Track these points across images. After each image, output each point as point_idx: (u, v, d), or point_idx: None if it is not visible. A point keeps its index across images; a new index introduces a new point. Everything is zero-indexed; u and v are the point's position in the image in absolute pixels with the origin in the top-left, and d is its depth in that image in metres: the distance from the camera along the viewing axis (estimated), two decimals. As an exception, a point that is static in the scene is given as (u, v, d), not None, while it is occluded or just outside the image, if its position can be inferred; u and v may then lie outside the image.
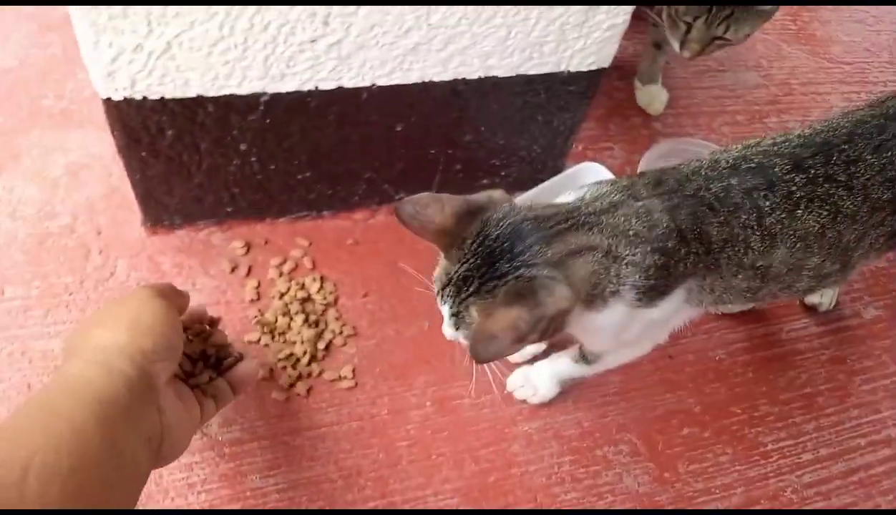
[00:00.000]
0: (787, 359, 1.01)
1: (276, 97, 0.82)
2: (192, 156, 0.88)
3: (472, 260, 0.63)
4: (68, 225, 0.98)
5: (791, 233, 0.69)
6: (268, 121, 0.85)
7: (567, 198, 0.70)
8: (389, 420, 0.89)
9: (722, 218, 0.67)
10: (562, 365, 0.87)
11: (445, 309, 0.67)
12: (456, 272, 0.64)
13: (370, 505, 0.82)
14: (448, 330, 0.68)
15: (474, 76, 0.88)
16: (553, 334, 0.63)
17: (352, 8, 0.74)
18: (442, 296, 0.66)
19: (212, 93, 0.81)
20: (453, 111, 0.93)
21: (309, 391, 0.90)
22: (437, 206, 0.64)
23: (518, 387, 0.91)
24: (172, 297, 0.69)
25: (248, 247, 0.99)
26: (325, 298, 0.96)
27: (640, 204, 0.66)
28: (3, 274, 0.94)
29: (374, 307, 0.97)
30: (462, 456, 0.87)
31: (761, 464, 0.89)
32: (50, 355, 0.89)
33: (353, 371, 0.91)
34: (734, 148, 0.75)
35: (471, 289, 0.63)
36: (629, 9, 0.86)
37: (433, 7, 0.77)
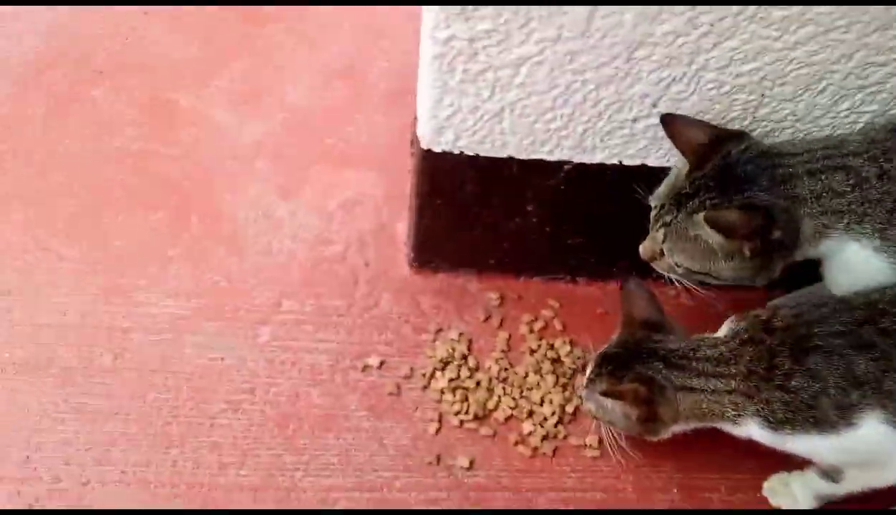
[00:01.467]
0: None
1: (580, 167, 0.87)
2: (481, 210, 0.94)
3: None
4: (340, 253, 1.07)
5: None
6: (562, 187, 0.90)
7: None
8: (633, 498, 0.88)
9: None
10: (808, 477, 0.83)
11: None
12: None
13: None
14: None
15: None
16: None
17: (685, 94, 0.78)
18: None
19: (522, 156, 0.86)
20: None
21: (554, 452, 0.90)
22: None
23: (774, 494, 0.87)
24: None
25: (502, 299, 1.03)
26: (573, 362, 0.97)
27: None
28: (283, 289, 1.03)
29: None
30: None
31: None
32: (317, 368, 0.96)
33: (599, 440, 0.91)
34: None
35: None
36: None
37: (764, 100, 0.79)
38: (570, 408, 0.93)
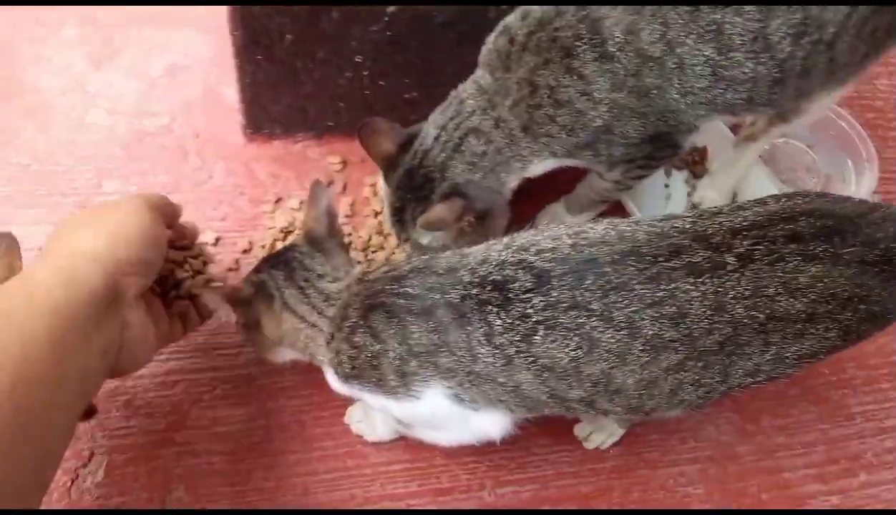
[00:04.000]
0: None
1: (404, 8, 0.81)
2: (306, 64, 0.87)
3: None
4: (166, 125, 0.98)
5: None
6: (389, 33, 0.84)
7: None
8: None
9: None
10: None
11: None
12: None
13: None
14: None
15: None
16: None
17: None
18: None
19: (339, -2, 0.80)
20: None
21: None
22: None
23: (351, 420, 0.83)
24: (165, 211, 0.68)
25: (345, 163, 0.98)
26: (417, 221, 0.96)
27: None
28: (102, 167, 0.94)
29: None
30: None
31: (844, 425, 0.89)
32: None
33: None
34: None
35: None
36: None
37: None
38: (415, 266, 0.93)
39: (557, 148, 0.76)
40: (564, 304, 0.54)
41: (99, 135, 0.97)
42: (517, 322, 0.55)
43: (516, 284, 0.56)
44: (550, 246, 0.58)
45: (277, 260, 0.69)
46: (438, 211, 0.74)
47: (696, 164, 0.99)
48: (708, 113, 0.71)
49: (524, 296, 0.55)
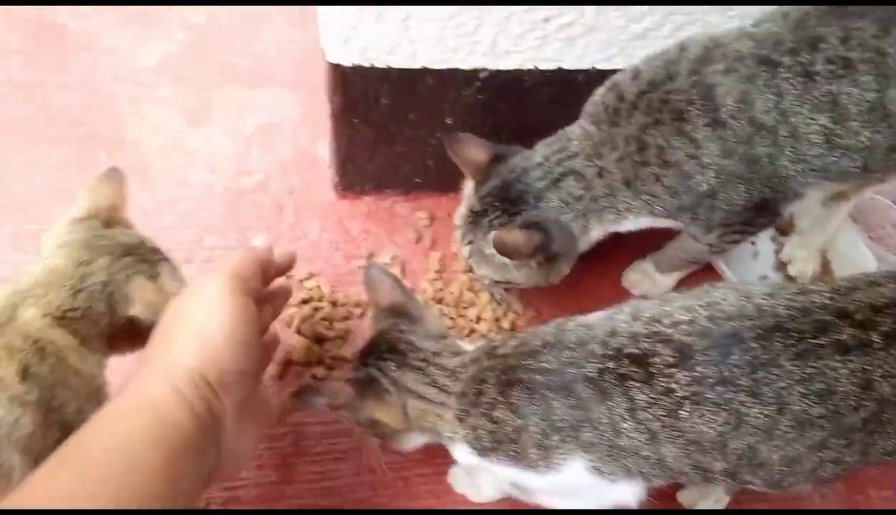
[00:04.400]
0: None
1: (495, 74, 0.83)
2: (399, 125, 0.90)
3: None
4: (262, 182, 1.02)
5: None
6: (480, 96, 0.86)
7: None
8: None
9: None
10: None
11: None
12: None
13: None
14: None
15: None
16: None
17: (595, -11, 0.74)
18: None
19: (436, 65, 0.82)
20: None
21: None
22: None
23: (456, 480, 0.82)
24: (255, 274, 0.63)
25: (432, 219, 1.01)
26: (506, 277, 0.97)
27: None
28: (203, 223, 0.98)
29: (557, 291, 0.96)
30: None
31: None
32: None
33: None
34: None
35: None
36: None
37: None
38: (505, 324, 0.93)
39: (658, 207, 0.76)
40: (711, 380, 0.55)
41: (199, 192, 1.01)
42: (661, 397, 0.56)
43: (657, 358, 0.57)
44: (686, 318, 0.58)
45: (381, 350, 0.68)
46: (516, 236, 0.75)
47: (784, 222, 0.98)
48: (818, 180, 0.71)
49: (667, 371, 0.56)
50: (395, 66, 0.81)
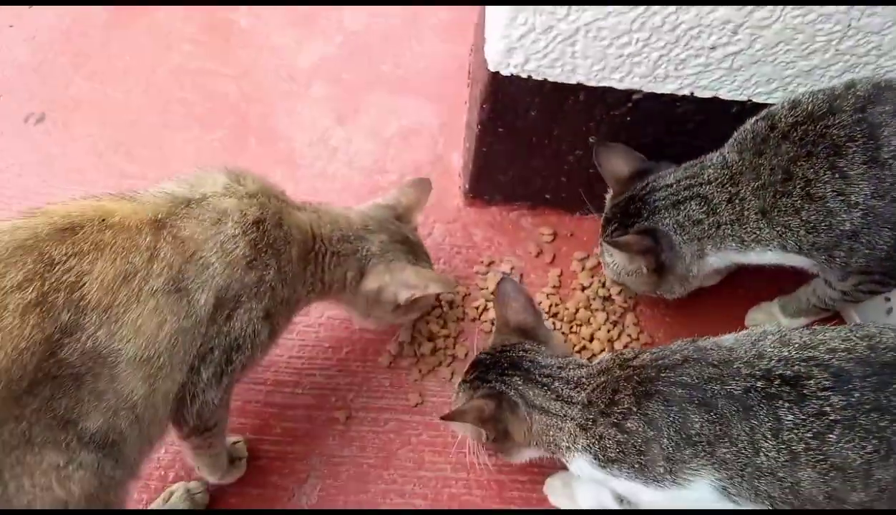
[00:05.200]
0: None
1: (650, 97, 0.84)
2: (541, 140, 0.92)
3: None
4: (395, 182, 1.06)
5: None
6: (628, 118, 0.87)
7: None
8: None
9: None
10: (598, 490, 0.77)
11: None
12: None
13: None
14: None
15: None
16: None
17: (768, 21, 0.74)
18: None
19: (592, 83, 0.84)
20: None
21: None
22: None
23: (553, 492, 0.83)
24: None
25: (555, 235, 1.02)
26: (625, 301, 0.96)
27: None
28: (338, 214, 1.03)
29: (672, 320, 0.95)
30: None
31: None
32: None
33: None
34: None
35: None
36: None
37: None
38: (618, 345, 0.92)
39: (791, 241, 0.74)
40: (867, 406, 0.55)
41: (338, 186, 1.07)
42: (812, 419, 0.56)
43: (812, 381, 0.56)
44: (843, 346, 0.58)
45: (504, 366, 0.70)
46: (628, 237, 0.80)
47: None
48: None
49: (822, 394, 0.56)
50: (551, 79, 0.83)
